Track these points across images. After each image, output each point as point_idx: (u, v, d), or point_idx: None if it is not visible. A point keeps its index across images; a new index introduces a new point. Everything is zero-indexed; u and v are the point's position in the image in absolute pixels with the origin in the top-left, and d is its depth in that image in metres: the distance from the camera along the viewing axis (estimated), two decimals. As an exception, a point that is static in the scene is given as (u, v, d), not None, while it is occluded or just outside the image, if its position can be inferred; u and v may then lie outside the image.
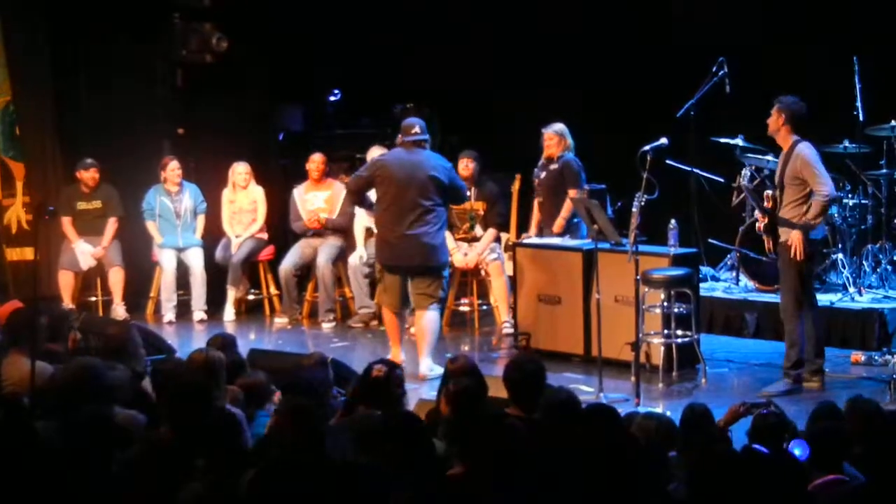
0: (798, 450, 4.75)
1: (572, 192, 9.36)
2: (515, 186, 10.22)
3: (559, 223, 9.44)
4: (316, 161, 10.73)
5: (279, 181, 11.48)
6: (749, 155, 9.95)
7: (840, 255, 9.54)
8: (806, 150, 7.86)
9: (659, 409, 7.39)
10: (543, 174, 9.60)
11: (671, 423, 5.17)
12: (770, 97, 8.09)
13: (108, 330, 7.12)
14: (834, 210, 9.41)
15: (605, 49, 10.99)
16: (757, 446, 4.69)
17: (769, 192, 8.19)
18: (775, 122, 7.96)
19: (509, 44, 11.50)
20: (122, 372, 5.67)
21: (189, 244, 10.87)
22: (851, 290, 9.38)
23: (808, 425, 5.07)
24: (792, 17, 10.30)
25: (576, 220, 9.40)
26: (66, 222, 10.74)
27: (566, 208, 9.42)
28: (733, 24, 10.50)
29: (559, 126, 9.59)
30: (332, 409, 6.03)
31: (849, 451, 4.73)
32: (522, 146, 9.99)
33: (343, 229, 10.62)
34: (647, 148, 7.90)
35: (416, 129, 8.48)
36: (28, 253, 11.23)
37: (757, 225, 8.44)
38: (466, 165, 10.02)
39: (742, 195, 9.79)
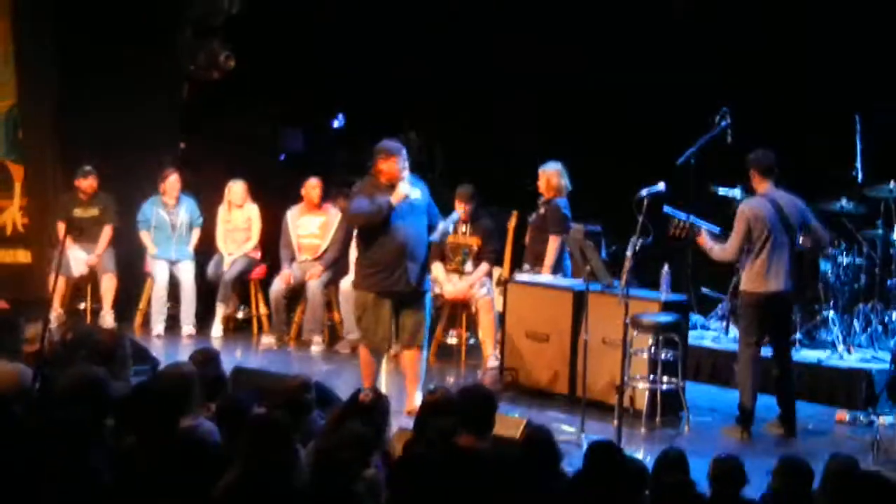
0: None
1: (552, 239, 9.40)
2: (512, 223, 10.22)
3: (545, 269, 9.44)
4: (312, 186, 10.73)
5: (277, 201, 11.49)
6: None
7: (831, 313, 9.54)
8: (742, 207, 8.20)
9: (640, 455, 7.37)
10: (534, 215, 9.64)
11: (644, 467, 5.18)
12: (770, 149, 8.18)
13: (98, 336, 7.09)
14: (827, 267, 9.44)
15: (609, 90, 11.01)
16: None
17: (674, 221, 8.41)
18: (753, 181, 8.26)
19: (511, 78, 11.52)
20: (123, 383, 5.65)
21: (181, 257, 10.88)
22: (840, 348, 9.37)
23: (778, 478, 5.05)
24: (793, 72, 10.35)
25: (565, 261, 9.42)
26: (61, 228, 10.74)
27: (549, 255, 9.44)
28: (736, 76, 10.54)
29: (552, 166, 9.60)
30: (312, 432, 6.01)
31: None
32: (521, 182, 10.00)
33: (336, 260, 10.61)
34: (643, 193, 7.92)
35: None
36: (21, 255, 11.24)
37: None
38: (460, 206, 9.83)
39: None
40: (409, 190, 8.13)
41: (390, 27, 11.83)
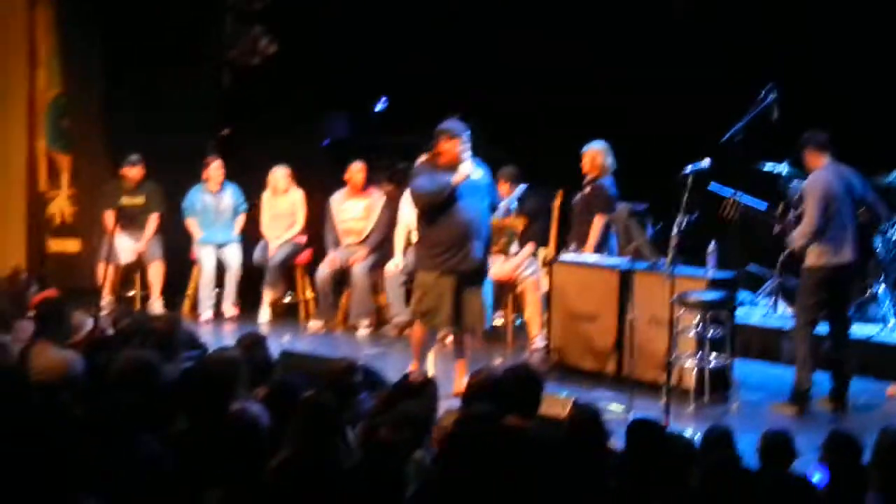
0: (817, 475, 4.72)
1: (598, 218, 9.36)
2: (556, 203, 10.20)
3: (589, 248, 9.41)
4: (356, 170, 10.75)
5: (321, 186, 11.50)
6: (793, 183, 9.87)
7: (881, 288, 9.45)
8: (810, 180, 8.08)
9: (688, 433, 7.34)
10: (579, 195, 9.59)
11: (689, 443, 5.17)
12: (817, 124, 8.11)
13: (154, 322, 7.15)
14: (877, 241, 9.34)
15: (652, 68, 10.93)
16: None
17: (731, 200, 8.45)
18: (809, 159, 8.17)
19: (557, 58, 11.46)
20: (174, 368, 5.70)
21: (228, 240, 10.94)
22: (891, 323, 9.29)
23: (827, 453, 5.02)
24: (842, 43, 10.23)
25: (611, 240, 9.39)
26: (109, 216, 10.83)
27: (593, 234, 9.40)
28: (787, 47, 10.43)
29: (595, 145, 9.55)
30: (360, 414, 6.04)
31: (868, 482, 4.68)
32: (567, 161, 9.95)
33: (381, 243, 10.63)
34: (688, 169, 7.86)
35: None
36: (70, 245, 11.36)
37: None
38: (504, 188, 9.88)
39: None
40: (472, 169, 8.11)
41: (435, 8, 11.81)
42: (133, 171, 10.90)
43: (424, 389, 5.88)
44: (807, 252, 8.14)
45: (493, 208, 8.44)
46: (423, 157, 9.52)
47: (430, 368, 8.48)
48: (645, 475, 4.08)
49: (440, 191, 8.01)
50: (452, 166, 8.07)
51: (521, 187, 9.51)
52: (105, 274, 10.06)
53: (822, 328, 8.33)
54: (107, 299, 10.58)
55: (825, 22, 10.33)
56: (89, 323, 7.19)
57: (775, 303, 10.00)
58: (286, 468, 3.94)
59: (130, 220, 10.85)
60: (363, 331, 10.44)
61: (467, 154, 8.11)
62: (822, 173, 8.09)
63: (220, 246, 10.94)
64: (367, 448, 5.15)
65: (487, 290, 8.31)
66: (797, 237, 8.14)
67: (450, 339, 8.87)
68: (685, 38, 10.93)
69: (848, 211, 8.10)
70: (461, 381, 8.11)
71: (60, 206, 11.38)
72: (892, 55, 9.96)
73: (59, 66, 11.23)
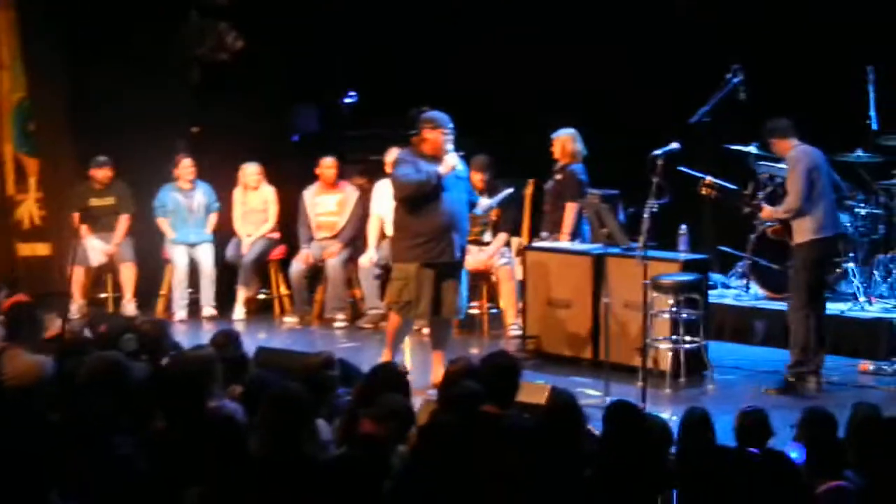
0: (795, 453, 4.75)
1: (570, 206, 9.37)
2: (528, 191, 10.22)
3: (564, 235, 9.42)
4: (327, 166, 10.74)
5: (293, 181, 11.48)
6: (762, 163, 9.92)
7: (851, 265, 9.51)
8: (794, 154, 8.07)
9: (666, 415, 7.36)
10: (550, 182, 9.61)
11: (667, 425, 5.19)
12: (783, 105, 8.15)
13: (142, 327, 7.12)
14: (846, 219, 9.39)
15: (618, 53, 10.96)
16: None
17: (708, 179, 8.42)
18: (777, 147, 8.19)
19: (523, 47, 11.47)
20: (143, 367, 5.68)
21: (200, 240, 10.91)
22: (862, 299, 9.35)
23: (803, 430, 5.05)
24: (805, 24, 10.28)
25: (583, 226, 9.40)
26: (76, 218, 10.76)
27: (567, 222, 9.41)
28: (746, 30, 10.48)
29: (564, 132, 9.57)
30: (337, 408, 6.03)
31: (845, 458, 4.72)
32: (537, 150, 9.97)
33: (355, 237, 10.62)
34: (657, 152, 7.88)
35: None
36: (40, 248, 11.28)
37: (769, 230, 8.53)
38: (476, 177, 9.88)
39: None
40: (457, 161, 8.09)
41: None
42: (101, 173, 10.84)
43: (401, 380, 5.87)
44: (793, 229, 8.11)
45: (471, 205, 8.44)
46: (393, 150, 9.56)
47: (407, 359, 8.50)
48: (623, 457, 4.10)
49: (427, 181, 7.97)
50: (435, 156, 8.05)
51: (508, 191, 9.46)
52: (71, 276, 10.03)
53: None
54: (78, 303, 10.55)
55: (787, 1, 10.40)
56: (59, 325, 7.16)
57: (748, 284, 10.05)
58: (259, 463, 3.93)
59: (100, 222, 10.80)
60: (339, 325, 10.43)
61: (450, 145, 8.10)
62: (802, 147, 8.11)
63: (192, 245, 10.90)
64: (349, 441, 5.15)
65: (464, 281, 8.31)
66: (783, 211, 8.14)
67: (426, 330, 8.88)
68: (652, 22, 10.96)
69: (827, 185, 8.16)
70: (438, 372, 8.12)
71: (29, 209, 11.30)
72: (850, 35, 10.00)
73: (23, 69, 11.13)
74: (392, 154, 10.03)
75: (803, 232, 8.08)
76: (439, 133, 8.06)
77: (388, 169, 10.11)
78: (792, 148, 8.13)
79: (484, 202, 8.80)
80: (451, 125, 8.12)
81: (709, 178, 8.40)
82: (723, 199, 8.55)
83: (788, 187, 8.12)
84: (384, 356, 8.22)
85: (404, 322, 8.32)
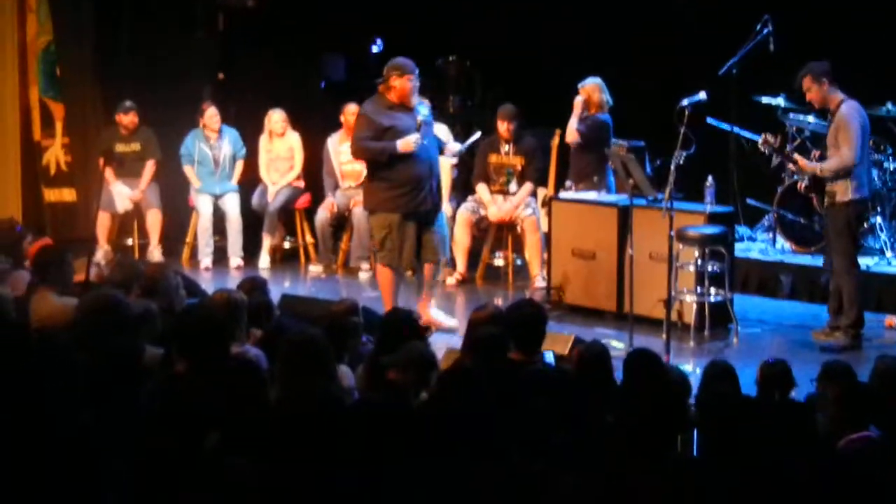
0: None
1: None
2: (555, 141, 10.17)
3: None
4: (350, 112, 10.69)
5: (319, 129, 11.46)
6: (790, 115, 9.84)
7: (878, 219, 9.44)
8: (847, 110, 7.81)
9: (689, 367, 7.37)
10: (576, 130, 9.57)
11: (684, 375, 5.19)
12: (811, 58, 8.04)
13: (143, 269, 7.15)
14: (874, 173, 9.30)
15: (649, 4, 10.85)
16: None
17: (768, 134, 8.25)
18: (818, 92, 7.94)
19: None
20: (147, 306, 5.68)
21: (226, 190, 10.90)
22: (889, 254, 9.29)
23: (823, 383, 5.04)
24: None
25: (609, 177, 9.36)
26: (102, 162, 10.77)
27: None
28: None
29: (591, 81, 9.50)
30: (360, 355, 6.05)
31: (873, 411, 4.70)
32: (564, 100, 9.90)
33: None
34: (684, 102, 7.81)
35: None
36: (67, 194, 11.31)
37: (799, 184, 8.44)
38: (503, 126, 9.91)
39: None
40: (424, 115, 8.19)
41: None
42: (127, 118, 10.83)
43: (415, 324, 5.91)
44: (834, 188, 7.93)
45: (440, 150, 8.52)
46: (351, 106, 9.63)
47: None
48: (643, 406, 4.09)
49: (380, 153, 8.09)
50: (403, 103, 8.13)
51: (476, 135, 9.59)
52: (95, 221, 10.02)
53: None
54: (104, 248, 10.58)
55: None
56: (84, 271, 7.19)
57: (774, 237, 9.99)
58: (278, 407, 3.95)
59: (126, 168, 10.81)
60: (364, 274, 10.44)
61: (416, 94, 8.17)
62: (853, 103, 7.92)
63: (218, 196, 10.90)
64: (374, 388, 5.17)
65: (442, 223, 8.43)
66: (833, 167, 7.89)
67: (410, 274, 8.87)
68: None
69: (867, 142, 8.08)
70: (427, 316, 8.30)
71: (55, 154, 11.32)
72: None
73: (49, 12, 11.10)
74: (351, 110, 10.08)
75: (846, 191, 7.90)
76: (406, 80, 8.13)
77: (348, 125, 10.21)
78: (842, 101, 7.91)
79: (452, 146, 8.86)
80: (416, 71, 8.18)
81: (767, 134, 8.28)
82: (779, 155, 8.48)
83: (840, 142, 7.85)
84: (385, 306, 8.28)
85: (395, 273, 8.39)
